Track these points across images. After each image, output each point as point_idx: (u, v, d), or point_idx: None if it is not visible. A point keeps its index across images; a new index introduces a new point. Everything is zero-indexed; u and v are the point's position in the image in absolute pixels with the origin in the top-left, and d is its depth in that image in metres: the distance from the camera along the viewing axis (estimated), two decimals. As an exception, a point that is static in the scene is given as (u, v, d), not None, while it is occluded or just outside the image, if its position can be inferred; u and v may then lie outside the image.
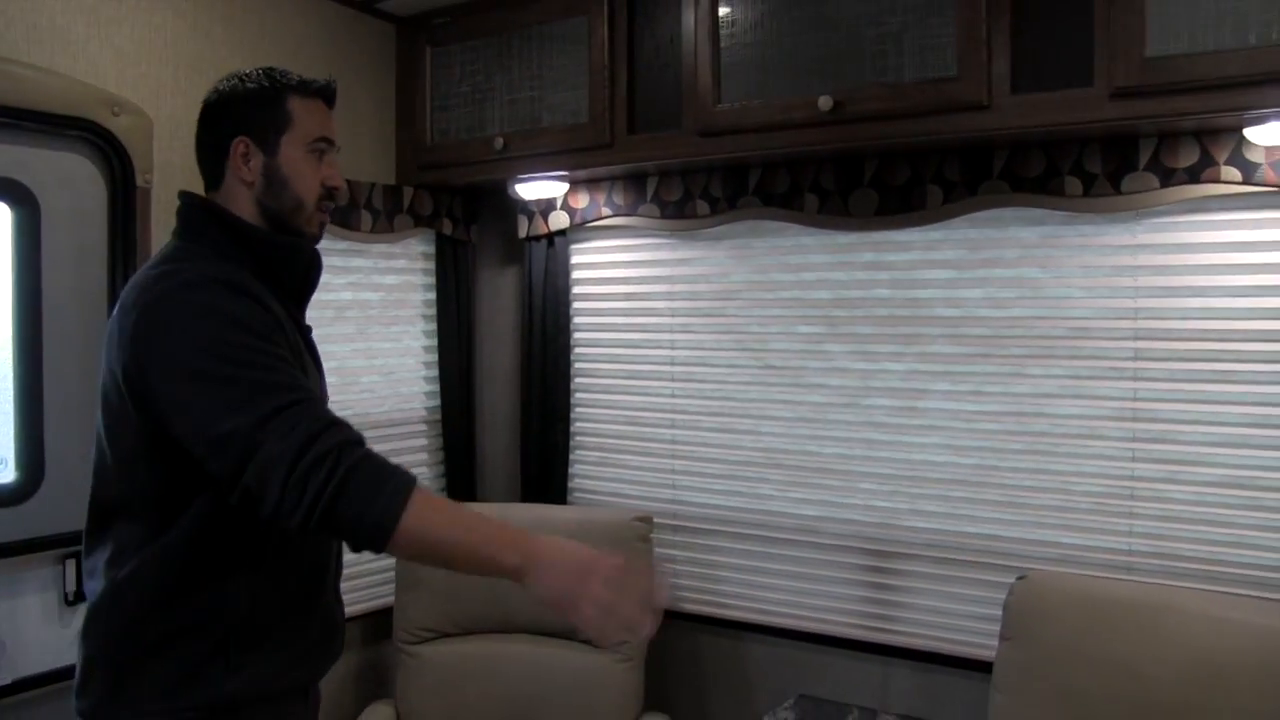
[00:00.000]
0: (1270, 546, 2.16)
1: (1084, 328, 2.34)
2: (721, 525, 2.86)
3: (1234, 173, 2.09)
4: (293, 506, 1.31)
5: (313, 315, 1.74)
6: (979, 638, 2.45)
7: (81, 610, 2.18)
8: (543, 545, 1.37)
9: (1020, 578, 2.25)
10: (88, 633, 1.51)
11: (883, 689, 2.61)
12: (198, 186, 1.65)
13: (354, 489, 1.32)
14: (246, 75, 1.63)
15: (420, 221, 3.05)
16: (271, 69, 1.64)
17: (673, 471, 2.94)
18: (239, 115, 1.60)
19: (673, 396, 2.91)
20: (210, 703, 1.48)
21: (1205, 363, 2.22)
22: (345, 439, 1.36)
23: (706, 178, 2.74)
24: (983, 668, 2.33)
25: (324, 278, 2.71)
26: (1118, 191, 2.22)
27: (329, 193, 1.68)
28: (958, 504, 2.50)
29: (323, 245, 2.73)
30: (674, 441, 2.94)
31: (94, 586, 1.52)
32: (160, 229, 2.27)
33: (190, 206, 1.61)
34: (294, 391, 1.38)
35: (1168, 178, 2.16)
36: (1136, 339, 2.29)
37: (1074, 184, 2.26)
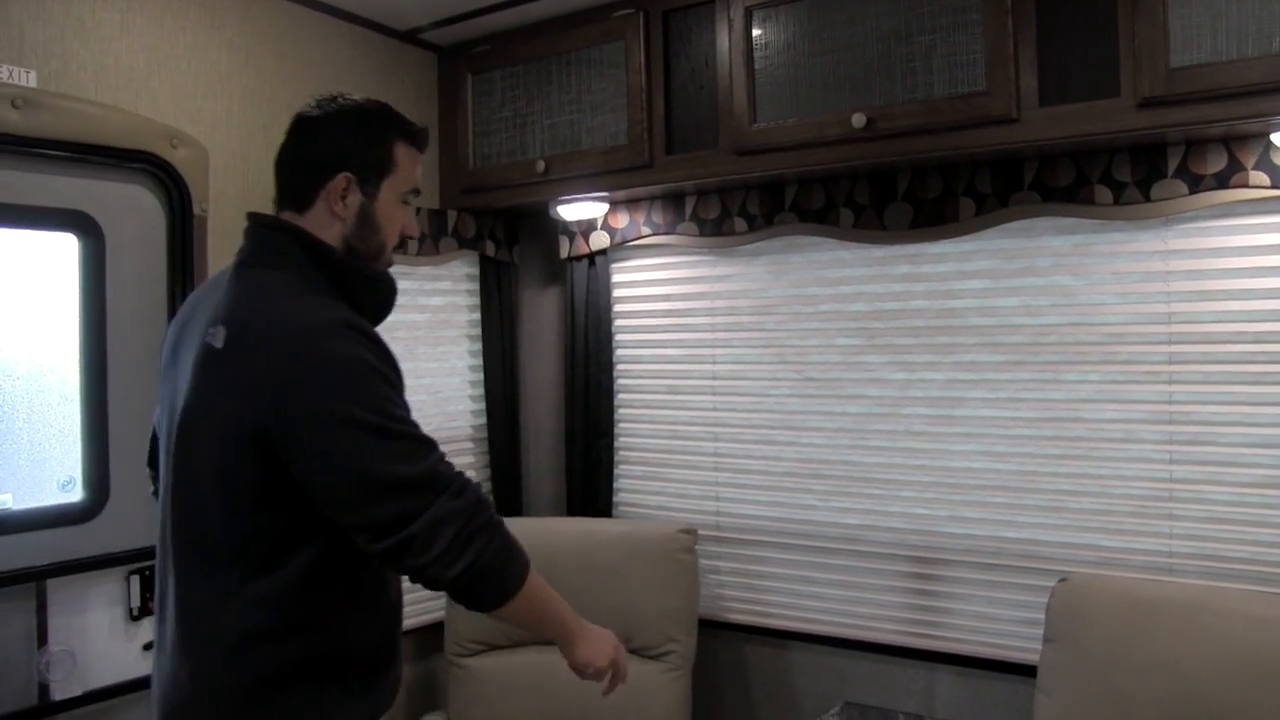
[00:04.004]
0: (1311, 546, 2.16)
1: (1118, 333, 2.37)
2: (765, 536, 2.89)
3: (1262, 177, 2.11)
4: (450, 562, 1.41)
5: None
6: (1023, 641, 2.46)
7: (145, 625, 2.26)
8: (587, 626, 1.69)
9: (1062, 580, 2.27)
10: (199, 674, 1.46)
11: (928, 695, 2.63)
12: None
13: (501, 558, 1.47)
14: (359, 107, 1.59)
15: (464, 244, 3.13)
16: (382, 105, 1.61)
17: (716, 484, 2.98)
18: (347, 148, 1.56)
19: (714, 410, 2.96)
20: None
21: (1240, 364, 2.23)
22: (493, 510, 1.49)
23: (743, 195, 2.79)
24: (1027, 671, 2.35)
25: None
26: (1147, 199, 2.24)
27: (403, 240, 1.71)
28: (998, 510, 2.53)
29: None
30: (717, 454, 2.98)
31: (194, 627, 1.47)
32: (215, 255, 2.36)
33: (277, 231, 1.55)
34: (437, 448, 1.47)
35: (1196, 184, 2.19)
36: (1171, 343, 2.31)
37: (1104, 193, 2.29)
